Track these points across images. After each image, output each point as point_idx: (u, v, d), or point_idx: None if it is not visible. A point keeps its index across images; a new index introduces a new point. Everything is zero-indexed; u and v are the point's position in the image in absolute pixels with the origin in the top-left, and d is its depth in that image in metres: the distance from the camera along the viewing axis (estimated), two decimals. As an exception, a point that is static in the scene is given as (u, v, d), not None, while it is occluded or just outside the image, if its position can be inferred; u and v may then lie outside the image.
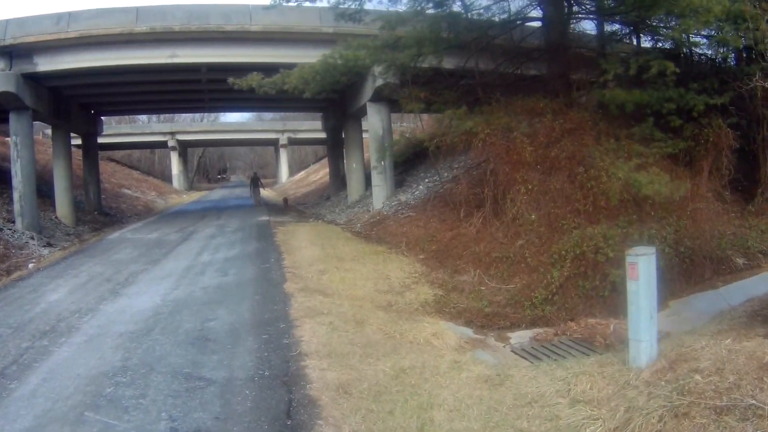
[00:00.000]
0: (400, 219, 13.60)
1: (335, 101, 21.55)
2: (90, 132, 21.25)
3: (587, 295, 6.78)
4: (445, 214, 11.82)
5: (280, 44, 14.81)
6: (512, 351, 5.93)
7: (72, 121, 18.77)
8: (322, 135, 34.49)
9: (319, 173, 39.02)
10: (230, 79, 10.97)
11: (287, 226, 14.75)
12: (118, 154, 44.94)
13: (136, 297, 7.20)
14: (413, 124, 32.61)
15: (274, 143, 51.92)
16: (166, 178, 47.74)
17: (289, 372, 4.43)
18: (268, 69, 11.68)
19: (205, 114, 60.92)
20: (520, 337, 6.25)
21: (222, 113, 65.11)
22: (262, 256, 9.65)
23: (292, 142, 49.30)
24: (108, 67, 14.80)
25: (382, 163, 15.97)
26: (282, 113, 59.95)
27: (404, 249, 10.50)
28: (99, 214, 20.84)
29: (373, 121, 16.18)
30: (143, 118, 58.50)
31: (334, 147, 24.83)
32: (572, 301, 6.78)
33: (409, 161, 17.00)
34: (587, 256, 6.94)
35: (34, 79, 14.80)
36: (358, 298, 6.67)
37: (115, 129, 43.29)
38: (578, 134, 9.09)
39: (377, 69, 13.57)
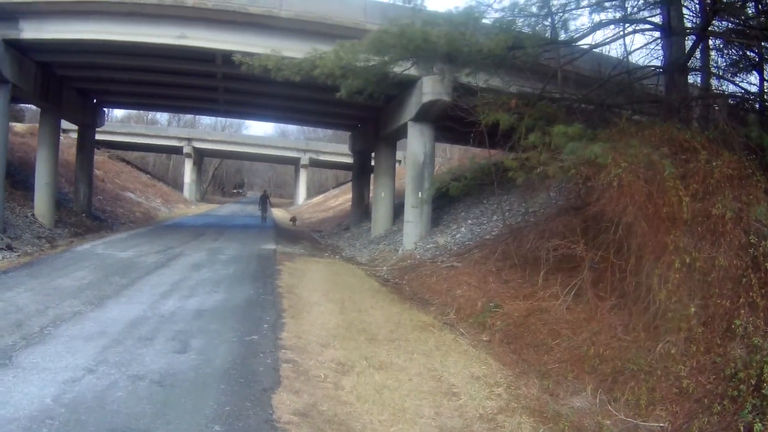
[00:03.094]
0: (440, 269, 10.63)
1: (367, 120, 19.09)
2: (87, 123, 18.73)
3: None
4: (507, 272, 8.79)
5: (313, 37, 12.02)
6: None
7: (63, 107, 16.26)
8: (346, 159, 31.91)
9: (339, 199, 36.12)
10: (236, 56, 8.12)
11: (296, 262, 11.73)
12: (132, 155, 42.66)
13: (24, 378, 4.16)
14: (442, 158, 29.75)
15: (294, 162, 49.49)
16: (178, 186, 45.36)
17: None
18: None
19: (226, 125, 59.33)
20: None
21: (243, 125, 63.72)
22: (251, 315, 6.48)
23: (314, 163, 46.95)
24: (104, 43, 12.33)
25: (420, 195, 13.25)
26: (305, 132, 58.00)
27: (455, 318, 7.45)
28: (87, 217, 18.26)
29: (414, 144, 13.72)
30: (162, 121, 56.87)
31: (361, 172, 22.22)
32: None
33: (443, 196, 14.07)
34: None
35: (18, 49, 12.43)
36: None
37: (130, 128, 41.33)
38: (736, 185, 6.02)
39: (427, 81, 10.82)
